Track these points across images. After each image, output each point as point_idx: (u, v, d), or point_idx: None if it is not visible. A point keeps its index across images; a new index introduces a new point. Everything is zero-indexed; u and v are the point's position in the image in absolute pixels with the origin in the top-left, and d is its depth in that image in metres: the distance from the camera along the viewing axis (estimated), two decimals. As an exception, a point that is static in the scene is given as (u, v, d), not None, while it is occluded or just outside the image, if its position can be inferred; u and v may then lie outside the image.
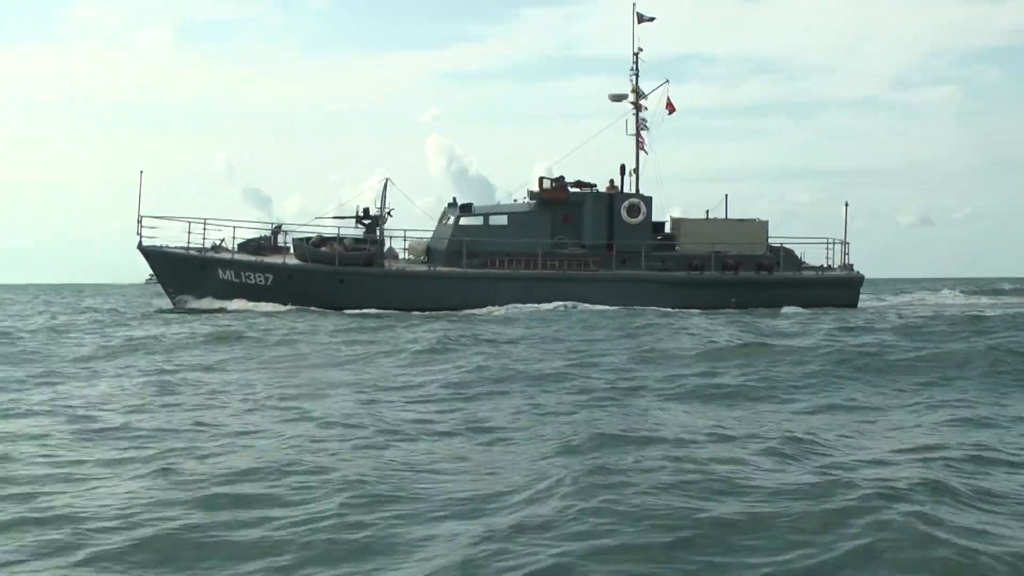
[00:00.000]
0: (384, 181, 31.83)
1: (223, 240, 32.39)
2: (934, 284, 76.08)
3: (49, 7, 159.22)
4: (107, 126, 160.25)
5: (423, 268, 31.52)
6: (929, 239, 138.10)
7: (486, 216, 32.16)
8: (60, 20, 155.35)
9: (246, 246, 32.20)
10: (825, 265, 33.39)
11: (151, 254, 32.15)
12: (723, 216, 33.21)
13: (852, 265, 33.31)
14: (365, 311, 29.14)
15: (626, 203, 31.76)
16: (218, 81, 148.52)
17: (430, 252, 32.46)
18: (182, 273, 31.97)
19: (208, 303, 31.09)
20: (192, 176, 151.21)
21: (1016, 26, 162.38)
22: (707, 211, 33.48)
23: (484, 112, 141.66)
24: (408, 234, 32.83)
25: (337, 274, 30.45)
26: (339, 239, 31.33)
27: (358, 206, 32.45)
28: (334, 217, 32.52)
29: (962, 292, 45.13)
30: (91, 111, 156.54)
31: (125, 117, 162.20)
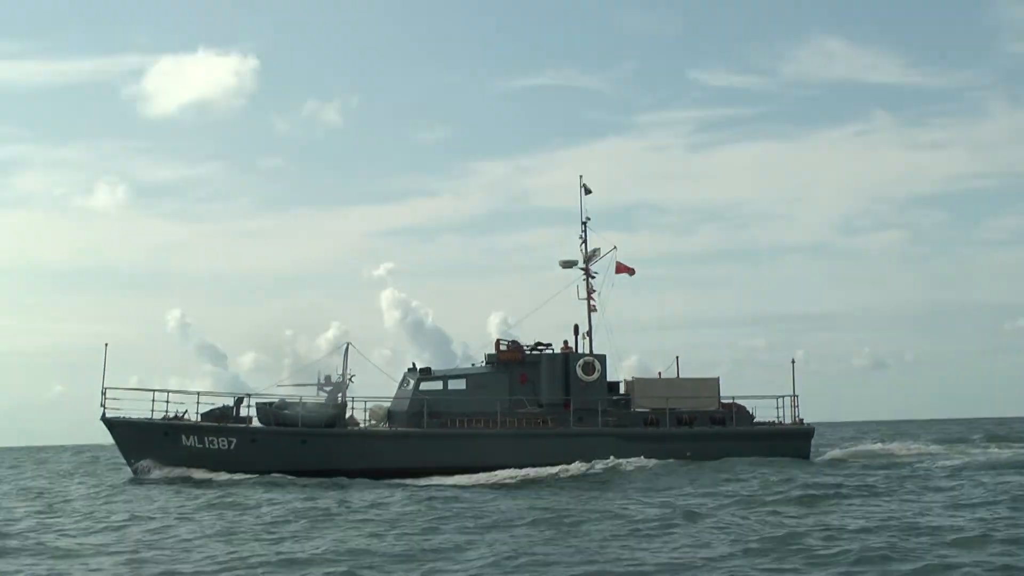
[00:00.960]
0: (345, 346, 32.79)
1: (186, 411, 32.86)
2: (893, 427, 77.50)
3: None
4: (55, 290, 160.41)
5: (385, 429, 32.15)
6: (883, 381, 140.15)
7: (445, 379, 33.02)
8: (10, 187, 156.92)
9: (210, 415, 32.59)
10: (776, 420, 34.31)
11: (114, 424, 32.48)
12: (675, 376, 34.31)
13: (803, 419, 34.29)
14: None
15: (581, 362, 32.80)
16: (167, 241, 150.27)
17: (391, 416, 33.10)
18: (145, 441, 32.24)
19: (169, 472, 31.29)
20: (145, 335, 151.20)
21: (956, 171, 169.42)
22: (659, 372, 34.63)
23: (438, 265, 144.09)
24: (368, 401, 33.47)
25: (299, 435, 30.95)
26: (302, 403, 31.99)
27: (319, 372, 33.25)
28: (295, 385, 33.20)
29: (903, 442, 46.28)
30: (36, 276, 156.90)
31: (73, 280, 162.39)
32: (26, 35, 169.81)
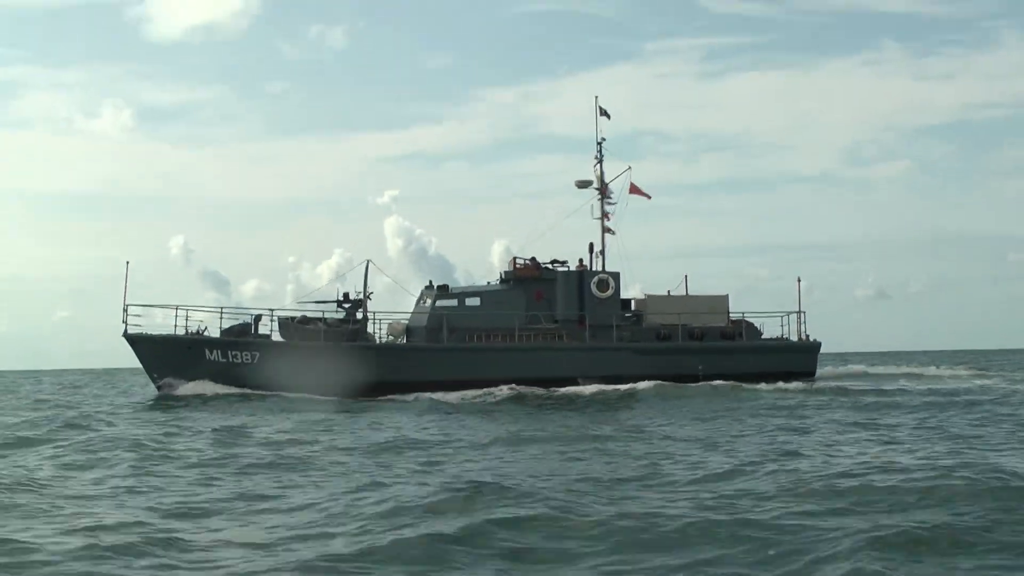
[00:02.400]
0: (366, 264, 33.47)
1: (206, 328, 33.60)
2: (895, 357, 78.59)
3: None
4: (61, 213, 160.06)
5: (406, 343, 32.97)
6: (886, 312, 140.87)
7: (462, 296, 33.75)
8: (11, 110, 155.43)
9: (229, 332, 33.29)
10: (783, 336, 35.19)
11: (137, 340, 33.19)
12: (683, 294, 35.08)
13: (809, 335, 35.16)
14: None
15: (595, 279, 33.53)
16: (172, 166, 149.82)
17: (410, 331, 33.86)
18: (169, 357, 32.98)
19: (194, 387, 32.03)
20: (148, 261, 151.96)
21: (965, 101, 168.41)
22: (668, 291, 35.42)
23: (442, 192, 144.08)
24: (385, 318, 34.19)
25: (322, 349, 31.71)
26: (323, 319, 32.75)
27: (339, 289, 34.00)
28: (316, 301, 33.91)
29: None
30: (43, 199, 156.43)
31: (78, 204, 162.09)
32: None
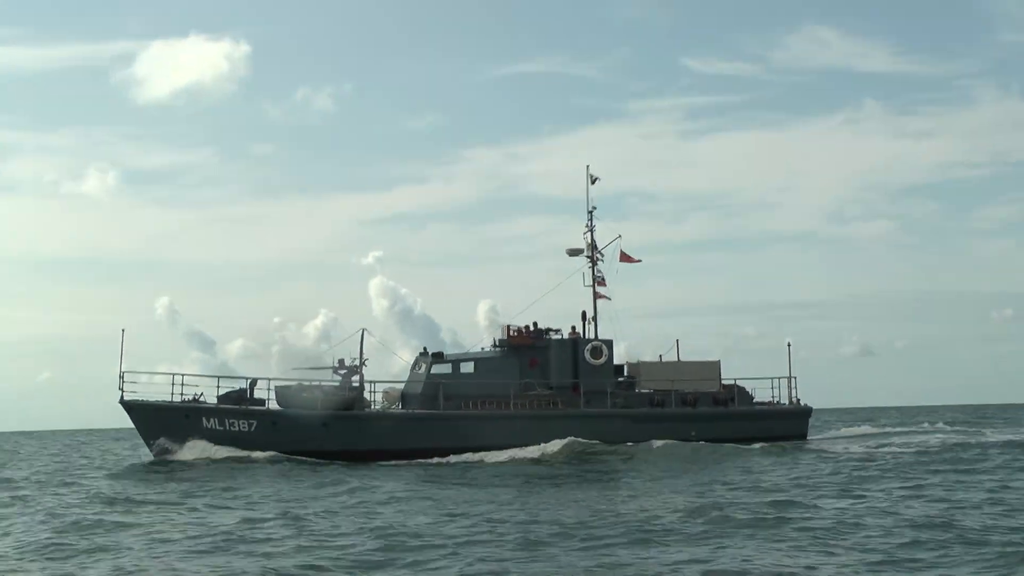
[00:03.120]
0: (361, 332, 33.89)
1: (201, 394, 33.89)
2: (879, 412, 79.07)
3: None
4: (43, 278, 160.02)
5: (404, 411, 33.29)
6: (872, 369, 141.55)
7: (457, 363, 34.13)
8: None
9: (226, 398, 33.56)
10: (774, 400, 35.63)
11: (134, 407, 33.42)
12: (675, 358, 35.56)
13: (800, 399, 35.62)
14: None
15: (589, 346, 33.99)
16: (157, 228, 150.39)
17: (405, 398, 34.18)
18: (165, 424, 33.20)
19: (189, 452, 32.25)
20: (133, 323, 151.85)
21: (946, 160, 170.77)
22: (660, 355, 35.88)
23: (427, 253, 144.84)
24: (379, 384, 34.51)
25: (320, 418, 32.00)
26: (320, 386, 33.05)
27: (334, 357, 34.35)
28: (311, 368, 34.21)
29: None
30: (25, 264, 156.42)
31: (62, 268, 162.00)
32: (15, 21, 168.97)
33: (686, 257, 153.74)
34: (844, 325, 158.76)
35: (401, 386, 34.59)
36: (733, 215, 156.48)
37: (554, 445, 31.06)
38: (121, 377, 33.10)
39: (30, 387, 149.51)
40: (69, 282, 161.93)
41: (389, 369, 36.59)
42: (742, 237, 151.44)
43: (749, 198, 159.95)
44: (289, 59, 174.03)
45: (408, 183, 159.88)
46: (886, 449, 30.97)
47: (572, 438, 31.42)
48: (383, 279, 67.51)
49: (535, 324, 34.52)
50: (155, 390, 33.57)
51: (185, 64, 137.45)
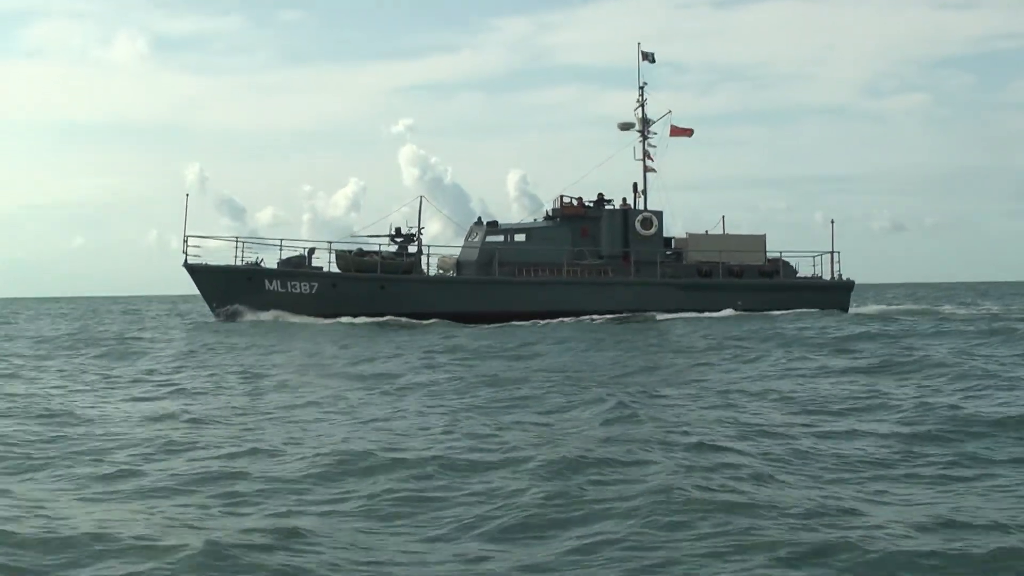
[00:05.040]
0: (420, 199, 34.92)
1: (261, 259, 35.17)
2: (912, 288, 79.94)
3: (9, 27, 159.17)
4: (72, 144, 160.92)
5: (460, 276, 34.56)
6: (902, 244, 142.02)
7: (511, 232, 35.17)
8: (24, 39, 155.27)
9: (286, 263, 34.85)
10: (817, 275, 36.55)
11: (197, 270, 34.76)
12: (721, 232, 36.46)
13: (841, 274, 36.52)
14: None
15: (640, 217, 34.89)
16: (186, 96, 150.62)
17: (460, 265, 35.36)
18: (229, 287, 34.59)
19: (254, 315, 33.68)
20: (163, 190, 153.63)
21: (986, 32, 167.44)
22: (706, 230, 36.76)
23: (457, 122, 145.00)
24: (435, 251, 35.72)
25: (379, 281, 33.30)
26: (379, 251, 34.26)
27: (391, 224, 35.44)
28: (369, 236, 35.38)
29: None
30: (59, 129, 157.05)
31: (97, 133, 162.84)
32: None
33: (715, 130, 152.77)
34: (874, 200, 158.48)
35: (456, 253, 35.77)
36: (764, 87, 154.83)
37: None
38: (185, 241, 34.36)
39: (64, 252, 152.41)
40: (97, 149, 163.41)
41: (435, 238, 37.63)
42: (773, 110, 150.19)
43: (782, 71, 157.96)
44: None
45: (439, 52, 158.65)
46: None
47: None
48: (413, 148, 68.15)
49: (580, 199, 35.38)
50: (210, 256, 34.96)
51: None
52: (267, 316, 33.29)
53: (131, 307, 72.38)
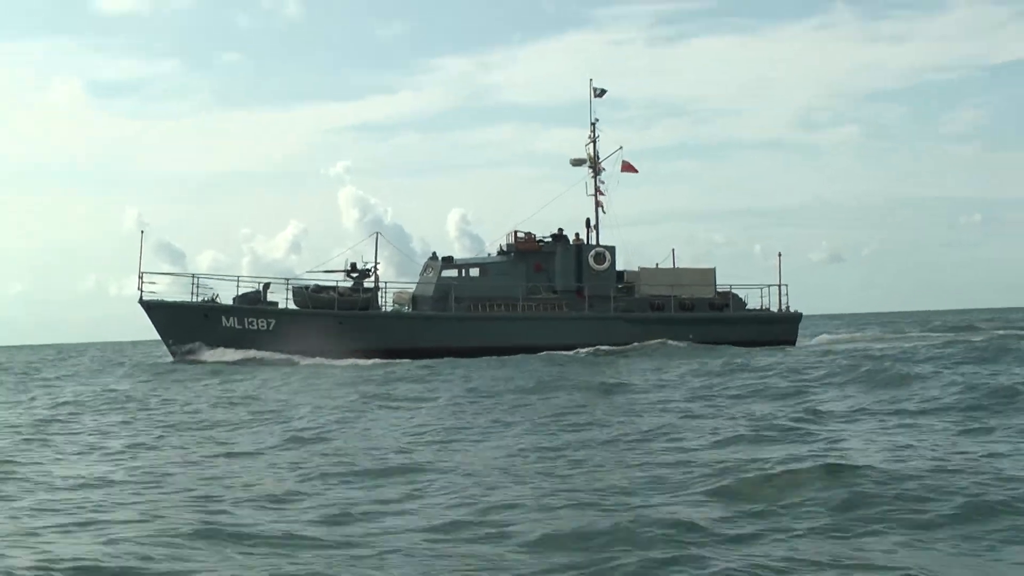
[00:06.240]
0: (375, 236, 35.29)
1: (217, 295, 35.18)
2: (853, 319, 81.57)
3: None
4: (15, 187, 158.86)
5: (418, 312, 34.85)
6: (841, 275, 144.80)
7: (466, 267, 35.62)
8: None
9: (242, 299, 34.90)
10: (765, 307, 37.42)
11: (153, 306, 34.68)
12: (671, 265, 37.26)
13: (789, 306, 37.44)
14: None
15: (593, 252, 35.54)
16: (125, 139, 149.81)
17: (416, 300, 35.70)
18: (185, 324, 34.54)
19: (211, 353, 33.60)
20: (102, 235, 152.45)
21: (917, 65, 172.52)
22: (656, 263, 37.55)
23: (397, 162, 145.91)
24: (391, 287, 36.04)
25: (336, 317, 33.48)
26: (335, 288, 34.47)
27: (347, 260, 35.69)
28: (324, 271, 35.56)
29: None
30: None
31: (32, 177, 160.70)
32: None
33: (655, 164, 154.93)
34: (812, 231, 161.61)
35: (411, 289, 36.11)
36: (702, 122, 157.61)
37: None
38: (140, 277, 34.31)
39: (1, 300, 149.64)
40: (34, 193, 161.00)
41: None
42: (711, 144, 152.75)
43: (718, 105, 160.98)
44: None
45: (377, 92, 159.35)
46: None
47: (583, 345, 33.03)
48: (353, 189, 68.52)
49: (528, 233, 35.92)
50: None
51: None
52: (226, 355, 33.19)
53: (74, 354, 71.34)
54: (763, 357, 25.19)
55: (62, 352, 72.70)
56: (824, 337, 40.74)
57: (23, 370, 36.26)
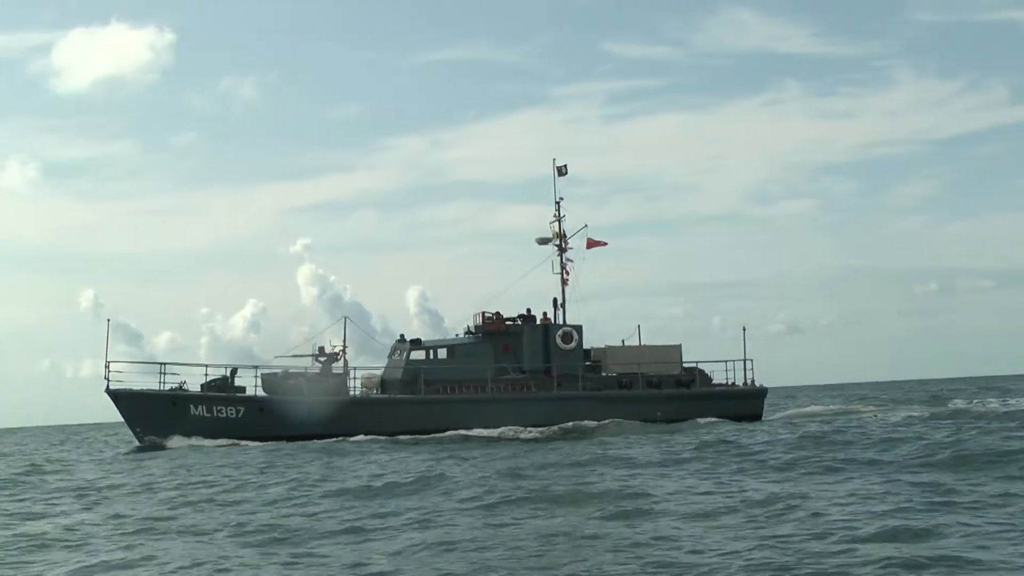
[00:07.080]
0: (343, 320, 35.45)
1: (184, 382, 35.02)
2: (814, 391, 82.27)
3: None
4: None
5: (389, 396, 34.86)
6: (799, 347, 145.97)
7: (434, 349, 35.78)
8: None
9: (209, 386, 34.75)
10: (730, 382, 37.83)
11: (120, 396, 34.43)
12: (637, 342, 37.64)
13: (755, 380, 37.86)
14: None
15: (560, 332, 35.88)
16: (80, 220, 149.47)
17: (384, 384, 35.72)
18: (153, 412, 34.29)
19: (179, 441, 33.37)
20: (58, 317, 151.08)
21: (865, 140, 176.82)
22: (623, 340, 37.94)
23: (354, 240, 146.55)
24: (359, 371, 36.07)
25: (306, 403, 33.40)
26: (305, 374, 34.45)
27: (315, 344, 35.76)
28: (292, 356, 35.57)
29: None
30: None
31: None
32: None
33: (613, 240, 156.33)
34: (769, 304, 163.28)
35: (379, 372, 36.15)
36: (657, 198, 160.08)
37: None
38: (107, 367, 34.14)
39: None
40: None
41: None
42: (666, 219, 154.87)
43: (672, 181, 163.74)
44: (214, 47, 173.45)
45: (333, 171, 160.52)
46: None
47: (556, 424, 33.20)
48: (311, 267, 68.54)
49: (496, 313, 36.26)
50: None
51: (106, 53, 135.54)
52: (194, 443, 33.00)
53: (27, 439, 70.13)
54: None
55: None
56: (792, 411, 41.14)
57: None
